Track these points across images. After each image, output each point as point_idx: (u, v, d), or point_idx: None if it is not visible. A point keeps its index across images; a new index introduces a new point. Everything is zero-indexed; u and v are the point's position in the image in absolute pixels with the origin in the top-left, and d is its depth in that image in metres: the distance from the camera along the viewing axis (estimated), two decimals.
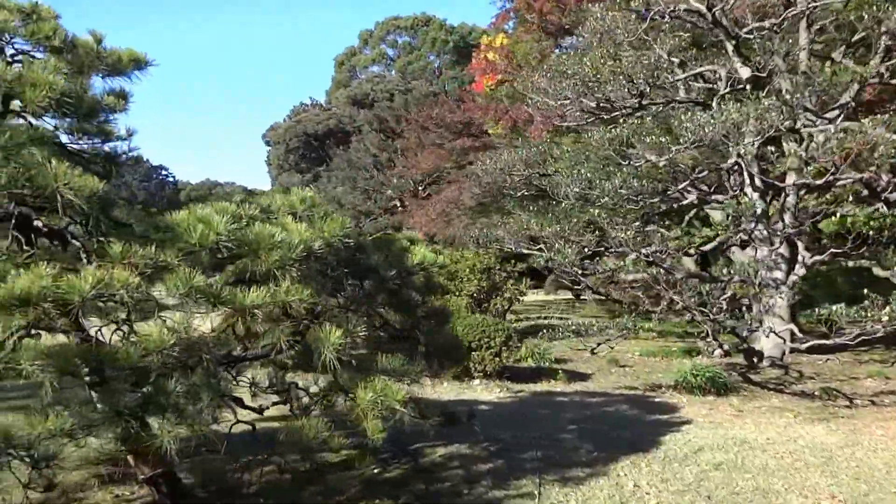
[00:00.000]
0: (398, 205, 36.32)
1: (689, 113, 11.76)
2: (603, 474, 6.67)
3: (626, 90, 13.15)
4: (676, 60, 14.35)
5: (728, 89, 14.17)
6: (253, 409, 5.44)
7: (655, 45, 14.04)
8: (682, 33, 15.28)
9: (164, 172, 64.75)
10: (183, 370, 4.91)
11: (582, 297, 27.24)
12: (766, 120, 11.36)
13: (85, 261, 4.83)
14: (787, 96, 12.60)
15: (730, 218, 14.60)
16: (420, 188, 34.04)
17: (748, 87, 14.22)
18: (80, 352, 4.27)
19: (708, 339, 13.13)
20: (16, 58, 5.15)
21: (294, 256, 4.85)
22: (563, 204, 15.75)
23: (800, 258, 14.16)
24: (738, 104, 11.62)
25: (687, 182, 13.78)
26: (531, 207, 17.48)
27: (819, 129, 13.36)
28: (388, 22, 55.32)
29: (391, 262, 6.07)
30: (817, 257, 13.75)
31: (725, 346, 13.16)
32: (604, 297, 13.99)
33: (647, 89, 13.32)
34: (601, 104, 13.82)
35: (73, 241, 5.07)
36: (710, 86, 15.39)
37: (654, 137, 11.81)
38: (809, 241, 14.56)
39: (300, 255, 4.87)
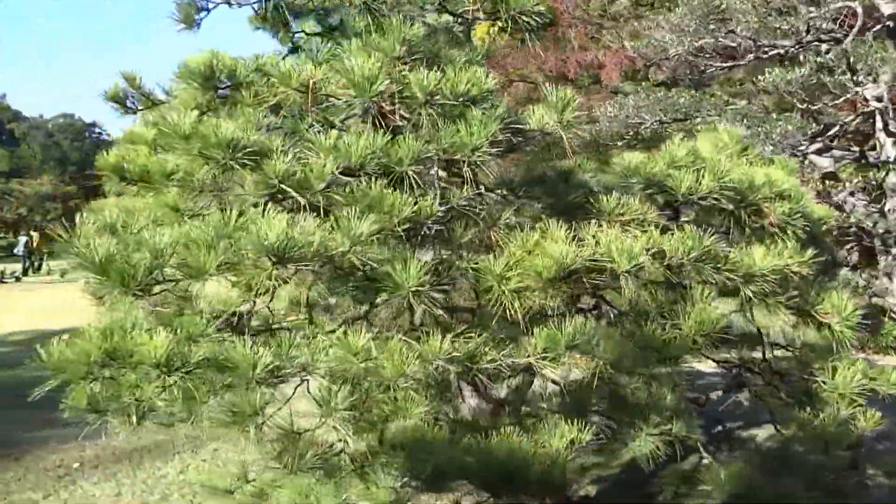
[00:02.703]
0: None
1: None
2: None
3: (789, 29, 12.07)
4: None
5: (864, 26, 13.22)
6: (696, 404, 4.40)
7: None
8: None
9: (96, 130, 60.83)
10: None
11: None
12: None
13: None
14: None
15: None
16: None
17: (891, 24, 13.32)
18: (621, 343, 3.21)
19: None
20: None
21: (800, 209, 3.80)
22: None
23: None
24: None
25: (837, 128, 12.89)
26: None
27: None
28: None
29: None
30: None
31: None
32: None
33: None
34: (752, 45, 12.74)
35: None
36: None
37: (844, 77, 10.80)
38: None
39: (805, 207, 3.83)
